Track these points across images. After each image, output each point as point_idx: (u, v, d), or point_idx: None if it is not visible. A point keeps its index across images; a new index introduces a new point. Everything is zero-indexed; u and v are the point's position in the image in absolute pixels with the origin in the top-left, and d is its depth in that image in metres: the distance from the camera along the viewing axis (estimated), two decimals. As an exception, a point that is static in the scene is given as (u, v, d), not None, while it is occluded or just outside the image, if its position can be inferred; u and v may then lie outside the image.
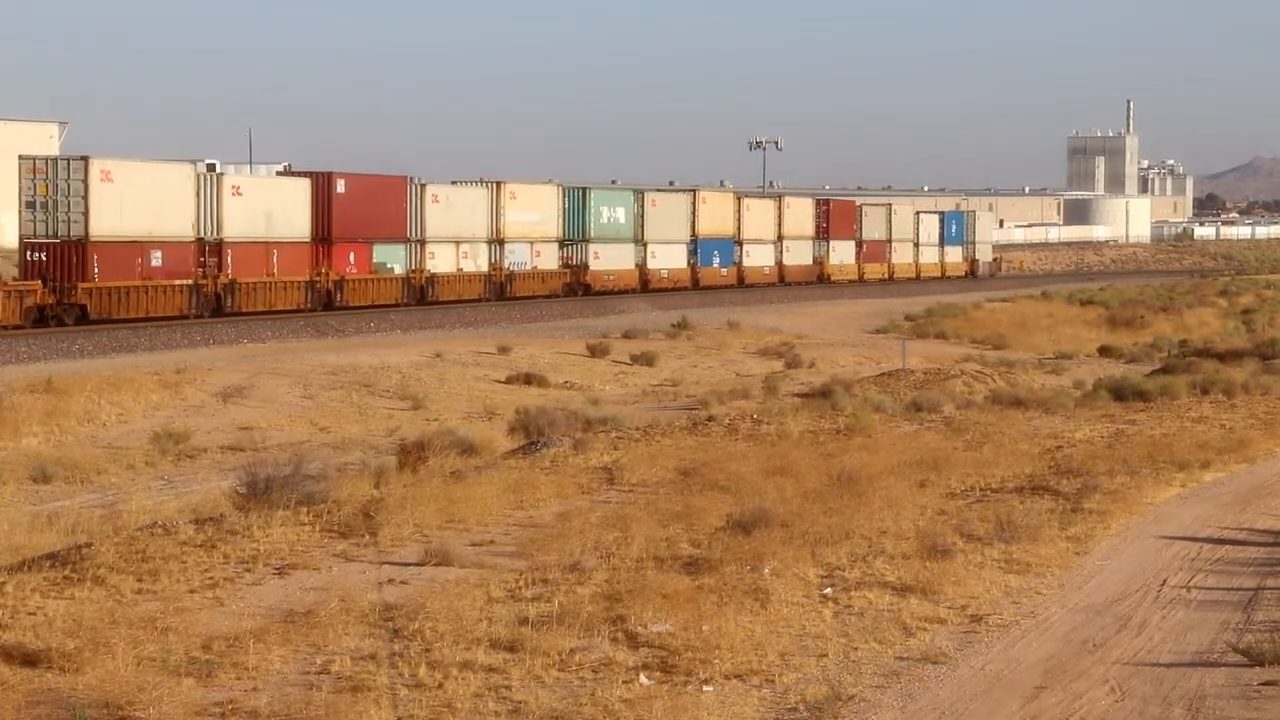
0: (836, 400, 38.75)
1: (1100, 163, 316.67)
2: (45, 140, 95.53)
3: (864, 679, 13.90)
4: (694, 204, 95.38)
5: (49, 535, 22.34)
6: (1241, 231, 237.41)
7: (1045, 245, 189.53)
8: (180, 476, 32.06)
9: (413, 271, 72.57)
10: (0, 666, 13.35)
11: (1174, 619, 16.31)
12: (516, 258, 79.24)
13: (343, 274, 68.13)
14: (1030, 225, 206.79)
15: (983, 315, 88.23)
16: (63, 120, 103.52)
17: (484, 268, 77.17)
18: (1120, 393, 37.96)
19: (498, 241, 77.99)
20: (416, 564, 17.73)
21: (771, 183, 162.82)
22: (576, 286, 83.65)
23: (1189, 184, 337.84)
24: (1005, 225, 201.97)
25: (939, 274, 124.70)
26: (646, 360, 58.10)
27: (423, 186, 73.63)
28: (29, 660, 13.54)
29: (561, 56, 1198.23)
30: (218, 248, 62.01)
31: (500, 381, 50.48)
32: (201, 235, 61.27)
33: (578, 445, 27.51)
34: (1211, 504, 23.19)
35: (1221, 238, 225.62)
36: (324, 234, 67.35)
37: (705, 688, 13.51)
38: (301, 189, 67.05)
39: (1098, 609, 16.66)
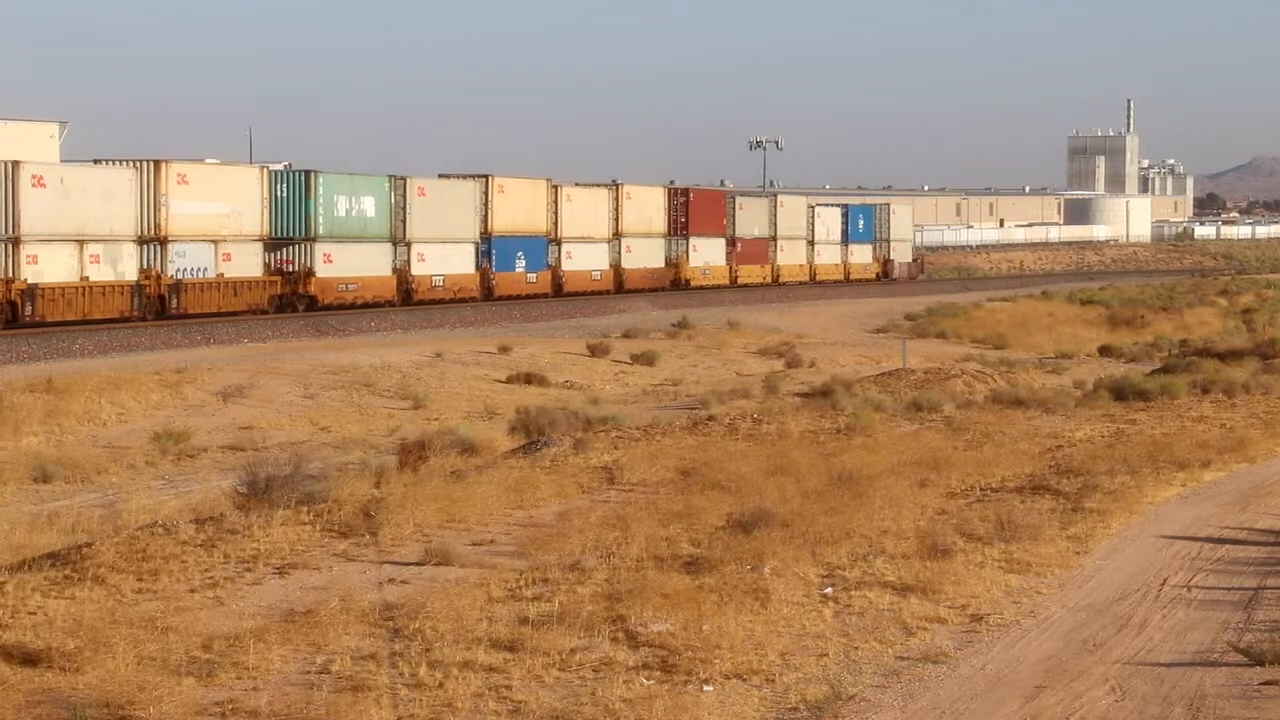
0: (837, 400, 38.71)
1: (1100, 162, 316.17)
2: (45, 140, 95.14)
3: (864, 678, 13.91)
4: (487, 193, 75.90)
5: (49, 535, 22.38)
6: (1242, 231, 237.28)
7: (1045, 245, 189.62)
8: (180, 476, 32.07)
9: None
10: (1, 666, 13.36)
11: (1174, 618, 16.31)
12: (190, 262, 59.23)
13: None
14: (1030, 225, 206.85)
15: (983, 315, 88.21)
16: (62, 120, 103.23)
17: (131, 275, 56.69)
18: (1120, 392, 37.94)
19: (156, 240, 57.86)
20: (417, 563, 17.76)
21: (771, 182, 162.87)
22: (294, 299, 63.97)
23: (1189, 183, 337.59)
24: (1006, 224, 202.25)
25: (841, 276, 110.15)
26: (647, 359, 58.06)
27: (16, 164, 52.85)
28: (29, 660, 13.56)
29: (560, 56, 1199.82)
30: None
31: (500, 381, 50.46)
32: None
33: (578, 445, 27.52)
34: (1212, 503, 23.20)
35: (1222, 237, 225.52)
36: None
37: (705, 687, 13.52)
38: None
39: (1098, 608, 16.66)
